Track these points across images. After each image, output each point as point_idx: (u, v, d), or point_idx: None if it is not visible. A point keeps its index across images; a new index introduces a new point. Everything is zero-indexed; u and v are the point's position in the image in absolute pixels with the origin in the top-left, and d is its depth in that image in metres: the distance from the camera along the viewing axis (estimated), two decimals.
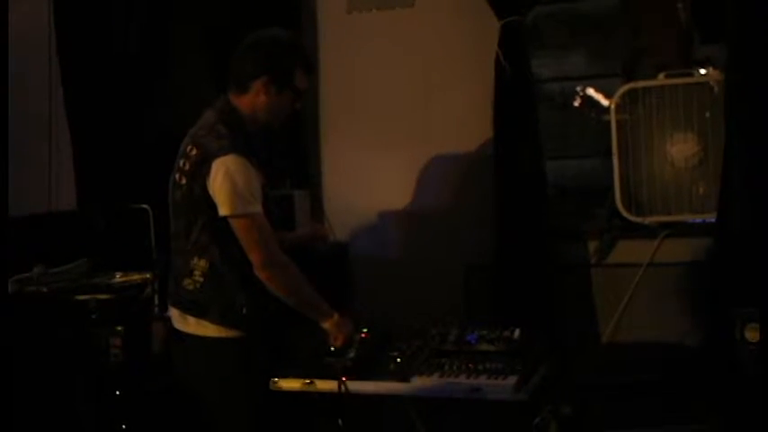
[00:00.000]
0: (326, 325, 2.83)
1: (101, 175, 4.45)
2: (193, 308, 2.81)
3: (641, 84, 3.63)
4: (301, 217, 3.81)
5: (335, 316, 2.84)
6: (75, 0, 4.51)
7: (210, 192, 2.71)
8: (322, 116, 4.25)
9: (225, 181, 2.68)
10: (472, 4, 3.79)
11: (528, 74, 3.74)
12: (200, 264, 2.78)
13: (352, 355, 2.87)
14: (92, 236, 4.08)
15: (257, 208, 2.72)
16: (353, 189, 4.16)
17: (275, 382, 2.87)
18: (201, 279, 2.78)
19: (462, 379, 2.74)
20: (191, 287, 2.80)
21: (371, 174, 4.14)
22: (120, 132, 4.41)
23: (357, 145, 4.18)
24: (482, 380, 2.72)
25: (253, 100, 2.84)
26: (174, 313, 2.89)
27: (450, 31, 4.01)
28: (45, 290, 3.75)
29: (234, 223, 2.71)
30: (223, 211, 2.70)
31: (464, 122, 3.99)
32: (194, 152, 2.77)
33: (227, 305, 2.77)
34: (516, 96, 3.68)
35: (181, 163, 2.82)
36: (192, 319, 2.82)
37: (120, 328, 3.56)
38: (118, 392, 3.55)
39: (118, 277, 3.82)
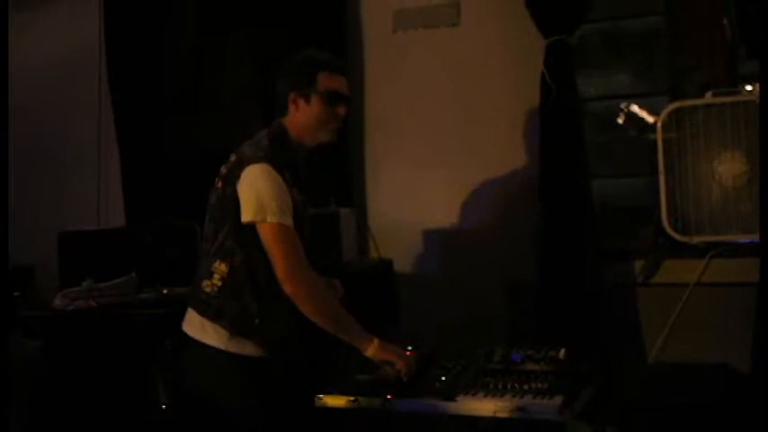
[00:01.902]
0: (369, 353, 2.77)
1: (149, 192, 4.52)
2: (208, 310, 2.83)
3: (688, 102, 3.60)
4: (347, 235, 3.83)
5: (375, 341, 2.78)
6: (126, 21, 4.60)
7: (239, 195, 2.74)
8: (367, 134, 4.28)
9: (250, 187, 2.71)
10: (517, 22, 3.80)
11: (574, 93, 3.72)
12: (220, 267, 2.80)
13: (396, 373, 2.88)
14: (140, 251, 4.14)
15: (283, 219, 2.71)
16: (398, 207, 4.18)
17: (320, 399, 2.89)
18: (219, 283, 2.80)
19: (507, 398, 2.72)
20: (208, 289, 2.82)
21: (416, 192, 4.15)
22: (168, 151, 4.48)
23: (402, 163, 4.20)
24: (527, 399, 2.70)
25: (293, 119, 2.88)
26: (188, 316, 2.91)
27: (496, 50, 4.03)
28: (94, 304, 3.81)
29: (260, 230, 2.72)
30: (244, 216, 2.72)
31: (509, 141, 4.00)
32: (234, 158, 2.83)
33: (239, 312, 2.78)
34: (562, 115, 3.67)
35: (222, 169, 2.88)
36: (207, 325, 2.83)
37: (167, 342, 3.61)
38: (164, 405, 3.59)
39: (165, 292, 3.86)
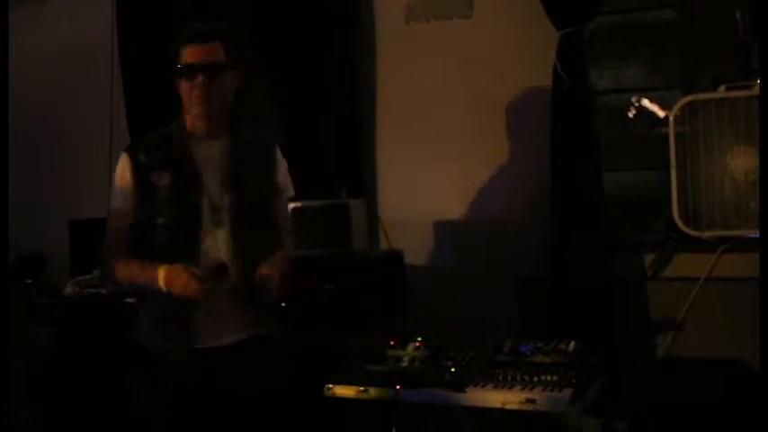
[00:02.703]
0: (161, 284, 2.61)
1: None
2: None
3: (701, 96, 3.58)
4: (358, 225, 3.83)
5: (161, 270, 2.60)
6: (139, 9, 4.60)
7: None
8: (379, 126, 4.27)
9: None
10: (530, 14, 3.79)
11: (586, 85, 3.72)
12: None
13: (406, 363, 2.89)
14: None
15: (112, 203, 2.85)
16: (409, 198, 4.17)
17: (329, 389, 2.89)
18: None
19: (517, 390, 2.73)
20: None
21: (427, 184, 4.14)
22: None
23: (413, 155, 4.19)
24: (536, 392, 2.71)
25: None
26: None
27: (509, 42, 4.01)
28: (104, 292, 3.83)
29: None
30: None
31: (520, 134, 3.99)
32: None
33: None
34: (574, 108, 3.66)
35: None
36: None
37: None
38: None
39: None
